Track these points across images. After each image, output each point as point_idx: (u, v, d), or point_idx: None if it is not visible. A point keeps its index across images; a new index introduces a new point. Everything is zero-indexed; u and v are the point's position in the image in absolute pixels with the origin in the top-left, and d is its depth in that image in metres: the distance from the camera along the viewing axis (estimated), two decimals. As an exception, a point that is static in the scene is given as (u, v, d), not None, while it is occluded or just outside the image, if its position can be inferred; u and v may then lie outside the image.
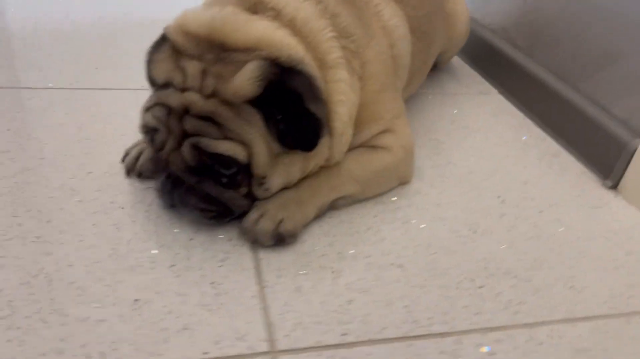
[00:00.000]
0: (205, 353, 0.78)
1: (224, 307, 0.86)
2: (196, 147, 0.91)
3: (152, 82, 0.98)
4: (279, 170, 0.97)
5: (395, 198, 1.16)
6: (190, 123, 0.91)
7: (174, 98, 0.92)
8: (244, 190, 0.97)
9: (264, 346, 0.80)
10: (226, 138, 0.90)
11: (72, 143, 1.22)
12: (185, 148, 0.92)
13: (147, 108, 0.96)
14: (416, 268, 0.98)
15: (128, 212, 1.04)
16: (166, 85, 0.94)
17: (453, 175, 1.28)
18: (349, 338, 0.83)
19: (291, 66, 0.91)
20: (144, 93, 0.99)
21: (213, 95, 0.90)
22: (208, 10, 0.95)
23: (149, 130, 0.96)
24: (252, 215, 0.98)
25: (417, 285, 0.94)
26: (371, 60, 1.08)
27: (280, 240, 0.97)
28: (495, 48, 1.80)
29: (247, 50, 0.91)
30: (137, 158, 1.13)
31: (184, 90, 0.91)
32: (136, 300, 0.85)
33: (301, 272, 0.94)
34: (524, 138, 1.49)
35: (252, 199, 0.99)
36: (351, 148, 1.10)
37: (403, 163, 1.16)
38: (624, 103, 1.34)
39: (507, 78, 1.74)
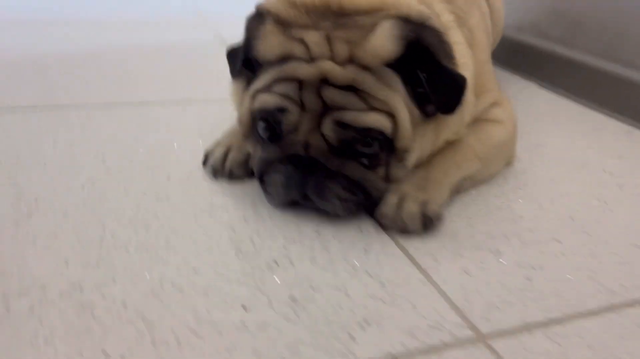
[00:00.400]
0: (403, 345, 0.63)
1: (397, 296, 0.71)
2: (340, 123, 0.79)
3: (261, 59, 0.85)
4: (417, 143, 0.85)
5: (502, 180, 1.06)
6: (330, 96, 0.79)
7: (304, 70, 0.79)
8: (382, 171, 0.85)
9: (467, 332, 0.66)
10: (371, 109, 0.78)
11: (130, 154, 1.06)
12: (328, 126, 0.79)
13: (266, 88, 0.82)
14: (572, 240, 0.88)
15: (234, 212, 0.89)
16: (284, 59, 0.82)
17: (548, 154, 1.20)
18: (554, 314, 0.70)
19: (422, 22, 0.83)
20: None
21: (350, 61, 0.79)
22: None
23: (271, 113, 0.82)
24: (391, 200, 0.85)
25: (586, 255, 0.83)
26: (476, 28, 1.00)
27: (428, 222, 0.84)
28: (525, 44, 1.78)
29: (371, 12, 0.82)
30: (224, 158, 0.98)
31: (311, 60, 0.80)
32: (293, 298, 0.69)
33: (459, 254, 0.82)
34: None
35: (388, 181, 0.87)
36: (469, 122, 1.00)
37: (513, 138, 1.07)
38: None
39: (547, 70, 1.71)
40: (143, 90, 1.43)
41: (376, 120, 0.79)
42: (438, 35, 0.84)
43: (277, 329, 0.64)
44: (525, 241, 0.86)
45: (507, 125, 1.04)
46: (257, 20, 0.86)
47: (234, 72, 0.94)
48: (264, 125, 0.84)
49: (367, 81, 0.78)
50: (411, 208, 0.84)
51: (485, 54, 1.02)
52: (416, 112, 0.83)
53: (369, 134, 0.79)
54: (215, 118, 1.28)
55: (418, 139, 0.85)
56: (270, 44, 0.83)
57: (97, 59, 1.68)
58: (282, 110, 0.81)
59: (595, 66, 1.55)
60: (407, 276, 0.76)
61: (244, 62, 0.88)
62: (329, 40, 0.80)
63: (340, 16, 0.82)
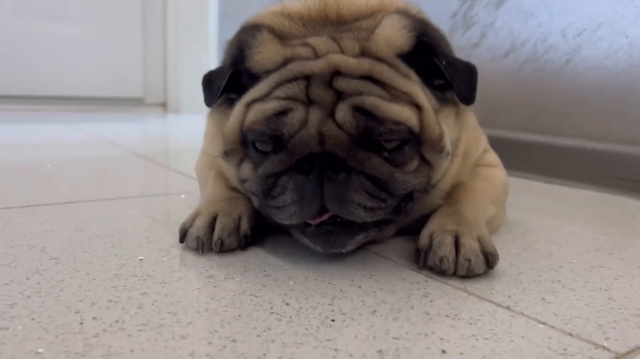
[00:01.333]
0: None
1: (501, 334, 0.57)
2: (359, 109, 0.67)
3: (257, 69, 0.75)
4: (444, 123, 0.76)
5: (507, 228, 1.00)
6: (345, 85, 0.68)
7: (313, 65, 0.70)
8: (412, 166, 0.73)
9: (603, 354, 0.53)
10: (394, 100, 0.69)
11: (78, 244, 0.82)
12: (343, 112, 0.67)
13: (265, 95, 0.71)
14: (616, 264, 0.81)
15: (244, 280, 0.69)
16: (285, 64, 0.72)
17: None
18: (669, 323, 0.60)
19: (421, 17, 0.79)
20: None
21: (362, 54, 0.71)
22: None
23: (268, 122, 0.69)
24: (446, 240, 0.73)
25: (641, 274, 0.77)
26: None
27: (491, 260, 0.72)
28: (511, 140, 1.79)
29: (371, 15, 0.78)
30: (211, 227, 0.80)
31: (319, 57, 0.71)
32: (381, 352, 0.52)
33: (522, 287, 0.70)
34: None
35: (429, 176, 0.76)
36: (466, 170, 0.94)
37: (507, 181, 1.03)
38: None
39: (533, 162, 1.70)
40: (66, 193, 1.19)
41: (402, 112, 0.69)
42: (438, 31, 0.81)
43: (390, 386, 0.46)
44: (574, 270, 0.78)
45: (502, 167, 1.01)
46: (250, 30, 0.77)
47: (212, 97, 0.80)
48: (261, 139, 0.72)
49: (385, 71, 0.70)
50: (472, 245, 0.72)
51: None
52: (434, 101, 0.76)
53: (394, 127, 0.68)
54: (166, 208, 1.09)
55: (444, 124, 0.77)
56: (269, 51, 0.74)
57: (15, 169, 1.41)
58: (283, 113, 0.68)
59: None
60: (491, 313, 0.62)
61: (229, 81, 0.77)
62: (335, 40, 0.73)
63: (340, 24, 0.77)
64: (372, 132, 0.68)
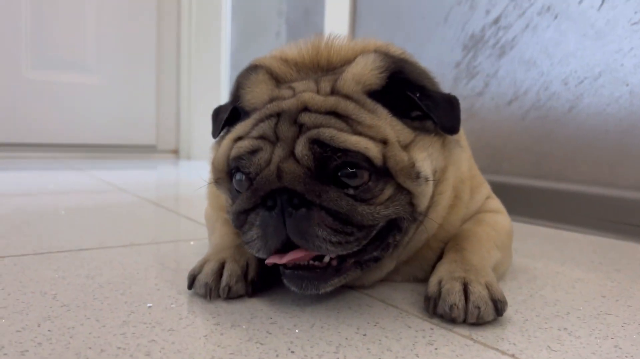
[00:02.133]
0: None
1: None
2: (315, 141, 0.70)
3: (248, 107, 0.81)
4: (421, 151, 0.76)
5: (511, 276, 1.00)
6: (308, 117, 0.72)
7: (285, 103, 0.74)
8: (383, 197, 0.73)
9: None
10: (355, 133, 0.71)
11: (88, 291, 0.84)
12: (301, 145, 0.70)
13: (246, 133, 0.76)
14: (622, 312, 0.81)
15: (251, 327, 0.70)
16: (271, 102, 0.77)
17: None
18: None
19: (404, 58, 0.83)
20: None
21: (332, 93, 0.75)
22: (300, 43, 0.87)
23: (243, 158, 0.74)
24: (454, 287, 0.73)
25: (648, 322, 0.77)
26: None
27: (500, 307, 0.73)
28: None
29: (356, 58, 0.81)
30: (219, 273, 0.81)
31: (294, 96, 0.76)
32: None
33: (528, 335, 0.70)
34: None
35: (412, 205, 0.76)
36: (470, 216, 0.96)
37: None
38: None
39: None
40: (79, 240, 1.22)
41: (358, 142, 0.70)
42: (419, 67, 0.83)
43: None
44: (581, 317, 0.78)
45: (505, 213, 1.02)
46: (249, 71, 0.83)
47: (216, 129, 0.87)
48: (241, 177, 0.76)
49: (350, 107, 0.73)
50: (481, 292, 0.72)
51: (469, 148, 1.03)
52: (407, 132, 0.76)
53: (352, 159, 0.70)
54: (175, 255, 1.11)
55: (422, 147, 0.77)
56: (260, 91, 0.80)
57: (30, 215, 1.44)
58: (253, 152, 0.73)
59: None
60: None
61: (230, 116, 0.83)
62: (316, 82, 0.78)
63: (329, 70, 0.82)
64: (328, 163, 0.70)
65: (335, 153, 0.69)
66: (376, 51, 0.79)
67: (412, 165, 0.74)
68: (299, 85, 0.78)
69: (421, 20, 2.07)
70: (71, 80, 3.77)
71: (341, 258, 0.75)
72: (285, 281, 0.76)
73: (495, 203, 1.02)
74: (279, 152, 0.71)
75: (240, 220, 0.76)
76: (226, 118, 0.84)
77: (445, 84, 1.92)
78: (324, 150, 0.69)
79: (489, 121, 1.83)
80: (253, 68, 0.82)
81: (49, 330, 0.67)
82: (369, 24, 2.34)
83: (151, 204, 1.84)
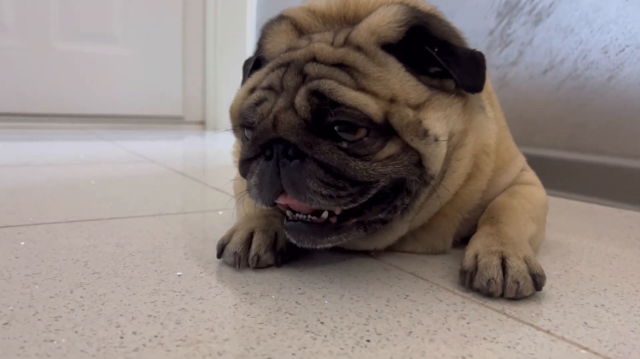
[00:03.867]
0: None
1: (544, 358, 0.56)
2: (315, 92, 0.68)
3: (268, 57, 0.80)
4: (435, 110, 0.73)
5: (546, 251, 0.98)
6: (313, 70, 0.70)
7: (297, 53, 0.73)
8: (382, 154, 0.71)
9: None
10: (360, 89, 0.69)
11: (119, 259, 0.85)
12: (300, 96, 0.69)
13: (253, 89, 0.76)
14: (660, 290, 0.79)
15: (280, 297, 0.70)
16: (287, 52, 0.77)
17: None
18: None
19: (433, 14, 0.79)
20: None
21: (344, 44, 0.73)
22: None
23: (250, 109, 0.75)
24: (492, 261, 0.71)
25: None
26: (493, 91, 0.99)
27: (539, 281, 0.71)
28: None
29: None
30: (248, 243, 0.81)
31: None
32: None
33: (563, 310, 0.68)
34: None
35: (421, 165, 0.73)
36: (503, 189, 0.93)
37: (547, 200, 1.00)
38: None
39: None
40: (109, 209, 1.23)
41: (358, 98, 0.68)
42: (447, 25, 0.79)
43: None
44: (619, 293, 0.76)
45: (540, 185, 0.99)
46: (273, 22, 0.83)
47: (243, 80, 0.87)
48: (246, 124, 0.77)
49: (358, 59, 0.71)
50: (519, 266, 0.70)
51: (504, 118, 0.99)
52: (421, 89, 0.72)
53: (348, 112, 0.68)
54: (204, 225, 1.11)
55: (437, 107, 0.73)
56: (280, 40, 0.79)
57: (61, 185, 1.47)
58: (259, 103, 0.73)
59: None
60: (531, 337, 0.61)
61: (254, 66, 0.82)
62: (336, 33, 0.76)
63: (355, 23, 0.78)
64: (324, 116, 0.68)
65: (333, 107, 0.68)
66: (402, 3, 0.76)
67: (419, 121, 0.71)
68: (316, 36, 0.76)
69: (453, -14, 1.99)
70: (99, 52, 3.79)
71: (341, 217, 0.74)
72: (286, 232, 0.77)
73: (531, 175, 0.99)
74: (280, 102, 0.71)
75: (244, 168, 0.76)
76: (250, 69, 0.83)
77: (477, 53, 1.87)
78: (321, 102, 0.68)
79: (523, 91, 1.77)
80: (278, 19, 0.82)
81: (81, 297, 0.68)
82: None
83: (179, 174, 1.85)
